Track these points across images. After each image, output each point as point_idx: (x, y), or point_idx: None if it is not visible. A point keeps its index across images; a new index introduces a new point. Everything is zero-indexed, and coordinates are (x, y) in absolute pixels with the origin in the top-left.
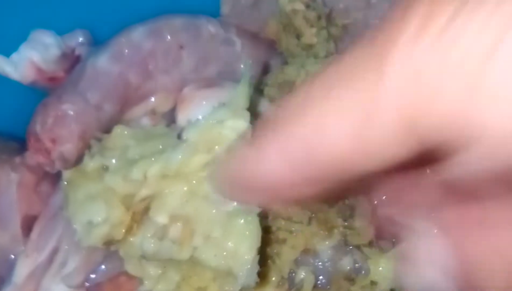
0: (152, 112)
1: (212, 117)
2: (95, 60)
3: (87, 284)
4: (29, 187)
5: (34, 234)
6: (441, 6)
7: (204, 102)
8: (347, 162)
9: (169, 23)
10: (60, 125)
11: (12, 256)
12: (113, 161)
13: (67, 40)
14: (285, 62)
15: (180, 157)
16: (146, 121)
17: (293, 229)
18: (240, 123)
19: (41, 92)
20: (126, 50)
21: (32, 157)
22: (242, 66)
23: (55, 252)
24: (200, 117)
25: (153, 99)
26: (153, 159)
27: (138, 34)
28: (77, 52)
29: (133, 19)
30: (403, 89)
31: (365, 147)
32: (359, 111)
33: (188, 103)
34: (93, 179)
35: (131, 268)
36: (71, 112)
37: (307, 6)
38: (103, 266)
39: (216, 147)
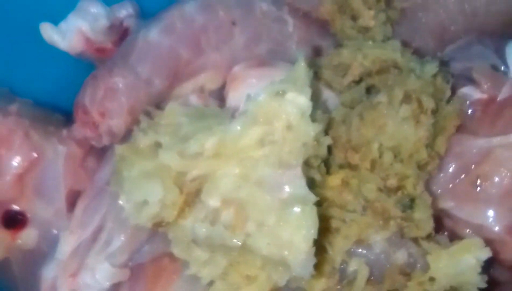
0: (200, 90)
1: (273, 90)
2: (146, 33)
3: (130, 263)
4: (76, 161)
5: (79, 210)
6: None
7: (256, 81)
8: None
9: None
10: (110, 99)
11: (55, 231)
12: (167, 137)
13: (115, 11)
14: (338, 45)
15: (238, 128)
16: (193, 98)
17: (346, 218)
18: (301, 99)
19: (86, 64)
20: (179, 24)
21: (79, 130)
22: (293, 46)
23: (99, 229)
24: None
25: (202, 76)
26: (211, 131)
27: (190, 8)
28: (125, 24)
29: None
30: None
31: None
32: None
33: (239, 82)
34: (146, 156)
35: (178, 251)
36: (122, 86)
37: None
38: (146, 247)
39: (275, 121)
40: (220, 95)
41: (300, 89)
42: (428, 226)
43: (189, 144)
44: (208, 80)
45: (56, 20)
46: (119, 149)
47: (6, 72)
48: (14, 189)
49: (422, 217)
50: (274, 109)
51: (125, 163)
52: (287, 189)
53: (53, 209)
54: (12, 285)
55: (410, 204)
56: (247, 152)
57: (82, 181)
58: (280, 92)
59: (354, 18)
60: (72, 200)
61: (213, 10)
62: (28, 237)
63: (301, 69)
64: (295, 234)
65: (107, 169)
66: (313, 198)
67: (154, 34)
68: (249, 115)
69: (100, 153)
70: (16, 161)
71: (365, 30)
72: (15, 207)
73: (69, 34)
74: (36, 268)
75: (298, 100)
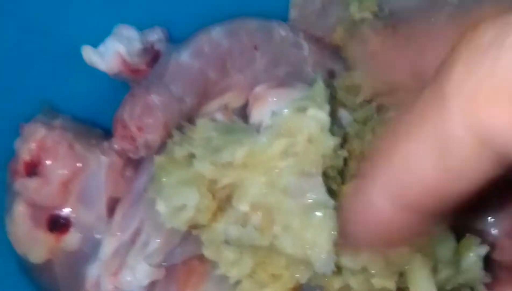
0: (225, 108)
1: (295, 106)
2: (178, 56)
3: (164, 264)
4: (117, 171)
5: (118, 215)
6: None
7: (277, 100)
8: (439, 190)
9: (245, 25)
10: (147, 114)
11: (96, 235)
12: (200, 149)
13: (146, 35)
14: (349, 68)
15: (265, 140)
16: (219, 115)
17: None
18: (321, 114)
19: (121, 84)
20: (206, 48)
21: (118, 143)
22: (309, 69)
23: (137, 232)
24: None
25: (227, 95)
26: (240, 143)
27: (217, 33)
28: (156, 47)
29: (206, 20)
30: (464, 107)
31: (449, 172)
32: (435, 143)
33: (261, 101)
34: (182, 166)
35: (209, 252)
36: (158, 103)
37: (375, 15)
38: (179, 249)
39: (297, 134)
40: (242, 113)
41: (319, 105)
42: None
43: (221, 155)
44: (232, 99)
45: (94, 43)
46: (158, 159)
47: (49, 91)
48: (59, 196)
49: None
50: (297, 124)
51: (163, 171)
52: (309, 195)
53: (94, 214)
54: (53, 285)
55: None
56: (273, 162)
57: (121, 189)
58: (302, 108)
59: (363, 43)
60: (112, 206)
61: (237, 36)
62: (71, 240)
63: (320, 88)
64: (317, 235)
65: (144, 178)
66: (333, 203)
67: (185, 57)
68: (274, 129)
69: (137, 163)
70: (61, 170)
71: (372, 54)
72: (60, 212)
73: (107, 56)
74: (79, 268)
75: (318, 116)
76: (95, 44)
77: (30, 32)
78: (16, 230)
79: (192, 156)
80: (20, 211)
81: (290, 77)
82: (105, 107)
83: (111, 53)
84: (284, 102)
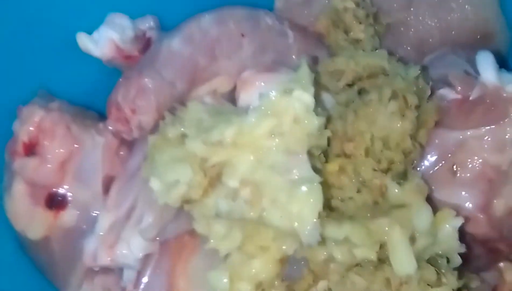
0: (214, 92)
1: (281, 88)
2: (169, 42)
3: (158, 238)
4: (112, 150)
5: (113, 192)
6: None
7: (264, 84)
8: None
9: (233, 13)
10: (141, 97)
11: (93, 211)
12: (192, 129)
13: (139, 23)
14: (332, 55)
15: (253, 120)
16: (208, 99)
17: (344, 197)
18: (306, 96)
19: (112, 70)
20: (196, 35)
21: (112, 125)
22: (294, 55)
23: (132, 208)
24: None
25: (215, 80)
26: (229, 123)
27: (206, 21)
28: (147, 35)
29: (196, 8)
30: None
31: None
32: None
33: (249, 85)
34: (175, 144)
35: (200, 227)
36: (150, 86)
37: (357, 5)
38: (171, 224)
39: (284, 114)
40: (230, 97)
41: (304, 87)
42: (425, 189)
43: (211, 134)
44: (220, 84)
45: (88, 31)
46: (152, 139)
47: (45, 77)
48: (57, 175)
49: (417, 181)
50: (283, 105)
51: (157, 150)
52: (295, 171)
53: (91, 192)
54: (51, 260)
55: (404, 177)
56: (261, 140)
57: (116, 168)
58: (288, 90)
59: (346, 31)
60: (108, 184)
61: (225, 24)
62: (68, 216)
63: (305, 71)
64: (303, 208)
65: (138, 157)
66: (318, 178)
67: (175, 44)
68: (261, 109)
69: (130, 144)
70: (58, 150)
71: (356, 42)
72: (57, 190)
73: (102, 43)
74: (75, 243)
75: (304, 97)
76: (88, 32)
77: (26, 20)
78: (15, 208)
79: (184, 136)
80: (19, 190)
81: (276, 64)
82: (98, 92)
83: (105, 40)
84: (271, 85)
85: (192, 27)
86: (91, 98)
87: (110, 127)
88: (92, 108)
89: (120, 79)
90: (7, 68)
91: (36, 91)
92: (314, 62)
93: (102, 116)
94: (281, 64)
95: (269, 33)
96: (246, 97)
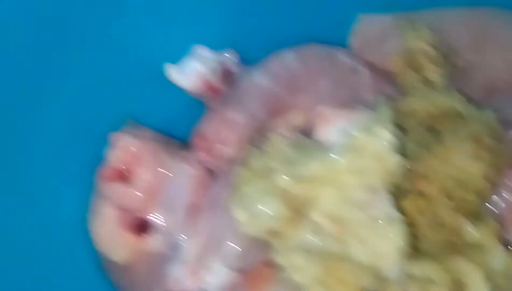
0: (290, 126)
1: (362, 126)
2: (254, 77)
3: (240, 267)
4: (198, 179)
5: (198, 219)
6: None
7: (341, 121)
8: None
9: (312, 50)
10: (226, 129)
11: (177, 238)
12: (277, 162)
13: (220, 56)
14: (403, 93)
15: (336, 156)
16: (284, 131)
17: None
18: (386, 133)
19: (193, 101)
20: (279, 71)
21: (198, 154)
22: (366, 92)
23: (216, 237)
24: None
25: (292, 113)
26: (314, 158)
27: (288, 58)
28: (229, 67)
29: (275, 44)
30: None
31: None
32: None
33: (326, 121)
34: (261, 177)
35: (281, 258)
36: (237, 120)
37: (430, 46)
38: (252, 254)
39: (365, 151)
40: (305, 131)
41: (384, 126)
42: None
43: (297, 168)
44: (296, 117)
45: (172, 61)
46: (240, 170)
47: (131, 104)
48: (144, 201)
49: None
50: (365, 142)
51: (243, 181)
52: (377, 208)
53: (176, 219)
54: (133, 284)
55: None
56: (343, 176)
57: (200, 196)
58: (369, 128)
59: (418, 71)
60: (192, 211)
61: (306, 60)
62: (153, 241)
63: (384, 110)
64: (385, 244)
65: (221, 186)
66: (399, 216)
67: (260, 78)
68: (344, 146)
69: (213, 172)
70: (147, 177)
71: (428, 81)
72: (144, 216)
73: (189, 74)
74: (159, 269)
75: (384, 135)
76: (172, 62)
77: (115, 51)
78: (102, 230)
79: (269, 168)
80: (107, 213)
81: (350, 100)
82: (180, 121)
83: (192, 72)
84: (348, 122)
85: (275, 63)
86: (173, 127)
87: (196, 157)
88: (174, 137)
89: (207, 111)
90: (97, 96)
91: (122, 118)
92: (386, 100)
93: (186, 145)
94: (355, 100)
95: (344, 70)
96: (324, 132)
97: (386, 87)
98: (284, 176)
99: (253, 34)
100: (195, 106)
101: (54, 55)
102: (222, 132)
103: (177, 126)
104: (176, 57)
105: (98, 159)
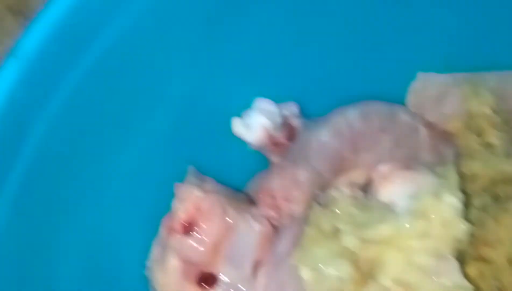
0: (352, 184)
1: (430, 191)
2: (319, 134)
3: None
4: (266, 236)
5: (262, 276)
6: None
7: (404, 182)
8: None
9: (375, 108)
10: (294, 187)
11: None
12: (345, 223)
13: (283, 109)
14: (462, 156)
15: (404, 221)
16: (346, 190)
17: None
18: (454, 200)
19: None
20: (343, 128)
21: (264, 210)
22: (424, 152)
23: None
24: (402, 193)
25: (353, 172)
26: (383, 222)
27: (352, 115)
28: (292, 122)
29: (333, 98)
30: None
31: None
32: None
33: (389, 181)
34: (329, 238)
35: None
36: (304, 178)
37: (493, 111)
38: None
39: (433, 218)
40: (365, 189)
41: (453, 191)
42: None
43: (366, 231)
44: (358, 176)
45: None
46: (308, 230)
47: (195, 156)
48: (210, 255)
49: None
50: (433, 208)
51: (311, 241)
52: (446, 276)
53: (240, 274)
54: None
55: None
56: (411, 241)
57: (265, 252)
58: (437, 194)
59: (479, 134)
60: (256, 267)
61: (369, 118)
62: None
63: (453, 176)
64: None
65: (286, 244)
66: (469, 285)
67: (325, 135)
68: (412, 211)
69: (278, 230)
70: (214, 232)
71: (489, 146)
72: (209, 270)
73: (254, 128)
74: None
75: (453, 202)
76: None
77: (179, 106)
78: (167, 281)
79: (336, 229)
80: (173, 264)
81: (409, 160)
82: (240, 173)
83: (257, 126)
84: (412, 185)
85: (339, 120)
86: (236, 181)
87: (262, 213)
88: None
89: (271, 166)
90: (164, 146)
91: (185, 168)
92: (442, 161)
93: (246, 196)
94: (413, 160)
95: (404, 129)
96: (387, 193)
97: (444, 148)
98: (352, 238)
99: (313, 88)
100: (254, 159)
101: (125, 106)
102: (289, 189)
103: (236, 178)
104: (238, 110)
105: (162, 208)
